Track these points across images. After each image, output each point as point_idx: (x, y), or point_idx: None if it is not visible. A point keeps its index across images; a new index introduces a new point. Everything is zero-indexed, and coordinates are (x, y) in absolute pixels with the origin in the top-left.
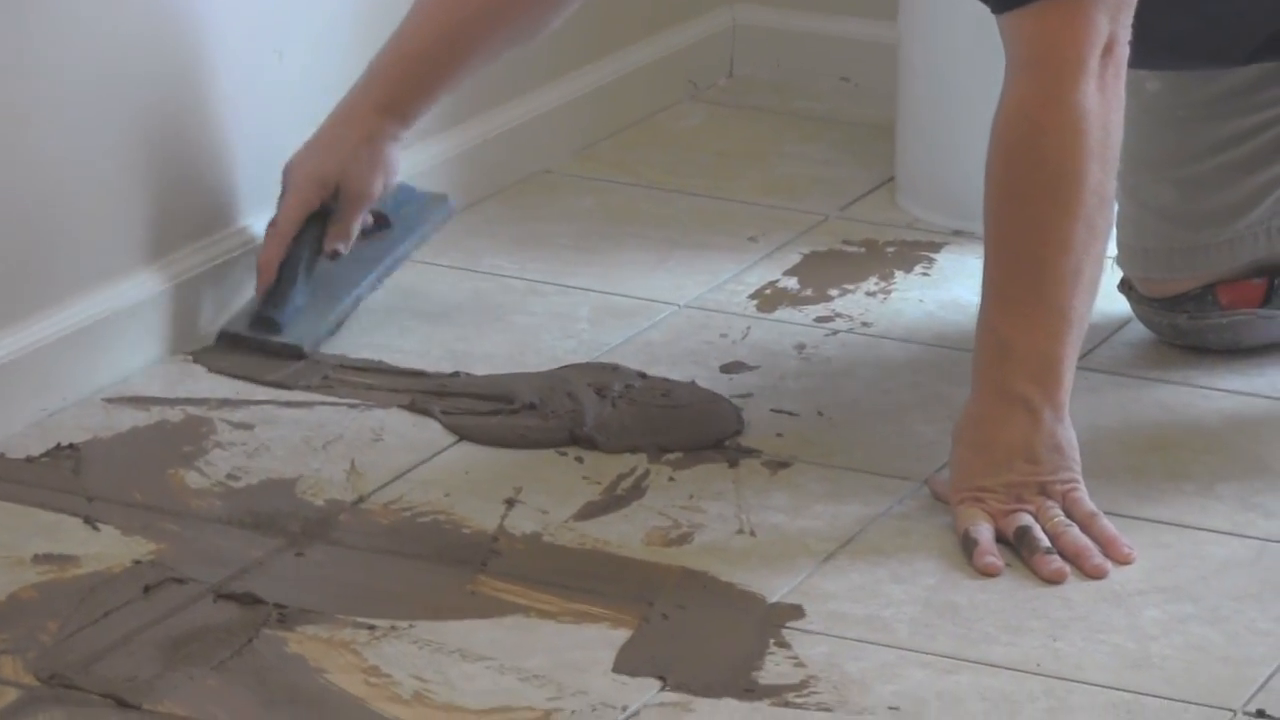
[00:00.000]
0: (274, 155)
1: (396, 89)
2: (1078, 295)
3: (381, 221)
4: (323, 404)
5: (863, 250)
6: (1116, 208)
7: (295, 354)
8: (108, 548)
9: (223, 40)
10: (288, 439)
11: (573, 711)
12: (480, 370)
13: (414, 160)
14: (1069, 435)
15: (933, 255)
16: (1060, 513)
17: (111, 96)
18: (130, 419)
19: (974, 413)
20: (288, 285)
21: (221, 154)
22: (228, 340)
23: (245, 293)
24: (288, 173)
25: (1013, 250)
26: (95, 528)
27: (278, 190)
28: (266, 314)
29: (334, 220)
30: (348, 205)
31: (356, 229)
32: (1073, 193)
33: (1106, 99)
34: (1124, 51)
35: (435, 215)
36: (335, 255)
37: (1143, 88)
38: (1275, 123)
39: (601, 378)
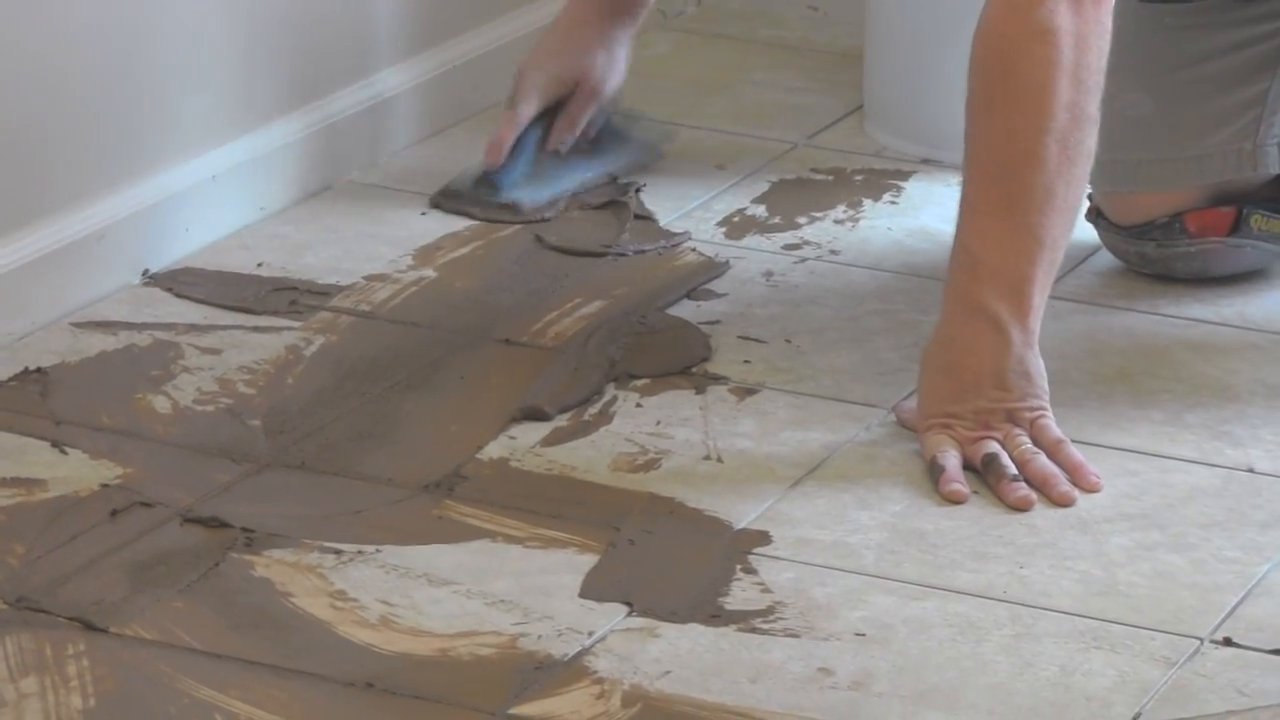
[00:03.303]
0: (249, 78)
1: None
2: (1049, 216)
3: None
4: (289, 329)
5: (831, 178)
6: None
7: (512, 210)
8: (75, 471)
9: None
10: (255, 363)
11: (539, 636)
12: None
13: (383, 86)
14: (1038, 363)
15: (901, 184)
16: (1027, 440)
17: (81, 23)
18: (98, 343)
19: (944, 335)
20: (513, 159)
21: (190, 80)
22: (449, 196)
23: (200, 222)
24: (524, 73)
25: (983, 164)
26: (63, 451)
27: (256, 112)
28: (489, 176)
29: (563, 114)
30: (581, 102)
31: (582, 125)
32: (1041, 105)
33: (1083, 20)
34: None
35: (644, 152)
36: (556, 151)
37: None
38: (1261, 40)
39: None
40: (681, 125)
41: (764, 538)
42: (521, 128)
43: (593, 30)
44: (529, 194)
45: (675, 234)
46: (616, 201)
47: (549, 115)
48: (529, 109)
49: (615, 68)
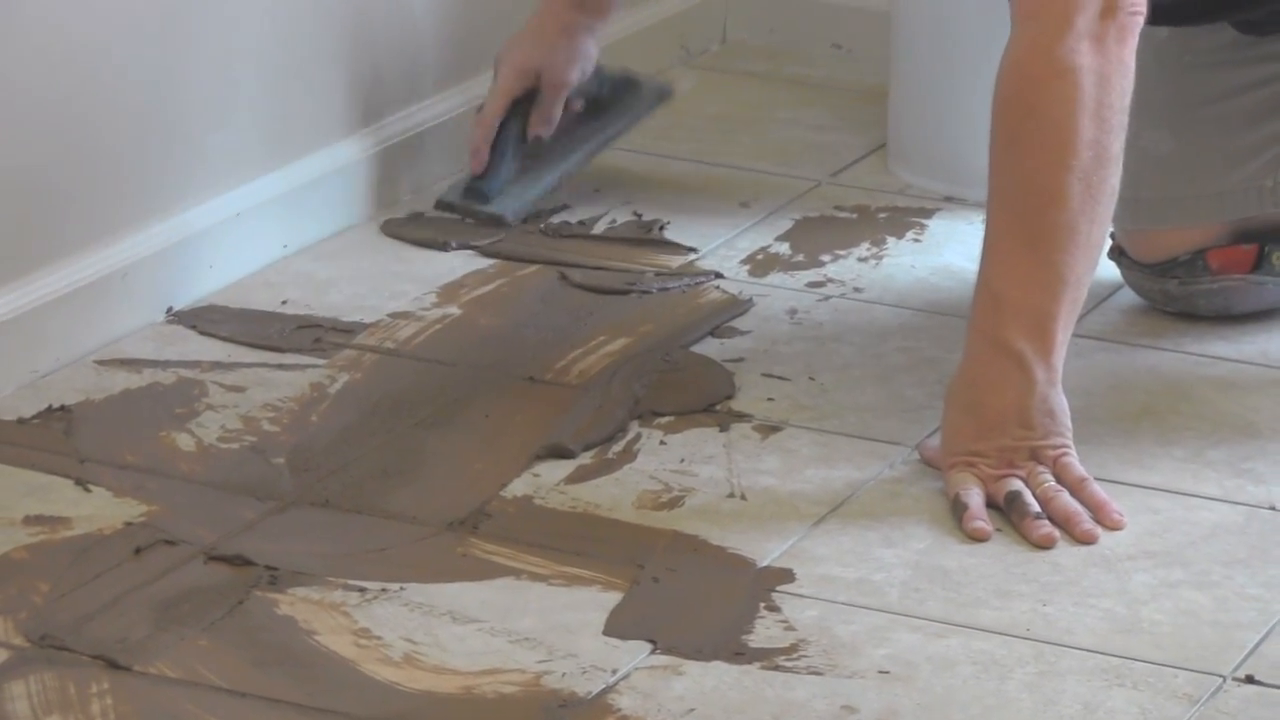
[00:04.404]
0: (274, 117)
1: None
2: (1072, 254)
3: (595, 104)
4: (314, 366)
5: (855, 216)
6: None
7: (498, 223)
8: (99, 509)
9: None
10: (280, 401)
11: (563, 674)
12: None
13: (404, 124)
14: (1061, 400)
15: (924, 221)
16: (1051, 478)
17: (105, 60)
18: (122, 381)
19: (967, 373)
20: (496, 162)
21: (213, 118)
22: (442, 207)
23: (224, 259)
24: (496, 64)
25: (1006, 202)
26: (87, 489)
27: (282, 149)
28: (476, 184)
29: (536, 107)
30: (548, 93)
31: (557, 115)
32: (1064, 143)
33: (1106, 60)
34: (1129, 19)
35: (649, 101)
36: (538, 139)
37: (1155, 35)
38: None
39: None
40: (705, 163)
41: (788, 575)
42: (493, 128)
43: (555, 22)
44: (514, 202)
45: (699, 272)
46: (642, 239)
47: (525, 105)
48: (495, 108)
49: (579, 55)
